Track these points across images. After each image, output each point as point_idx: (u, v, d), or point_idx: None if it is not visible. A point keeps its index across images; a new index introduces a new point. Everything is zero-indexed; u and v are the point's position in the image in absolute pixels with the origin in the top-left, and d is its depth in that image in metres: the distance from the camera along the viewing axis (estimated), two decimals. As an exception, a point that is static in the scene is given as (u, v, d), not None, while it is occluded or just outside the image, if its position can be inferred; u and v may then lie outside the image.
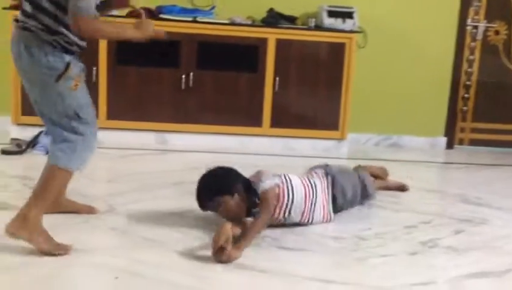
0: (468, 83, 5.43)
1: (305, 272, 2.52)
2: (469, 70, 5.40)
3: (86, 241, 2.68)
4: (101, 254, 2.56)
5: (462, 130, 5.53)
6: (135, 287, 2.29)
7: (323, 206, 3.10)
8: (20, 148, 4.15)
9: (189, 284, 2.33)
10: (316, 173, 3.24)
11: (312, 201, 3.04)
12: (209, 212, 2.94)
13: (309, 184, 3.07)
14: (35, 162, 3.90)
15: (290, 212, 2.96)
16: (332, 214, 3.15)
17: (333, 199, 3.16)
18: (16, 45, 2.48)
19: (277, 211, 2.92)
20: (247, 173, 3.19)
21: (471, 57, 5.38)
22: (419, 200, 3.75)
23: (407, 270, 2.64)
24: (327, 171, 3.23)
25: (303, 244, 2.85)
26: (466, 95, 5.45)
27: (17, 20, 2.51)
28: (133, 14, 3.83)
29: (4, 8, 4.41)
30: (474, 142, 5.54)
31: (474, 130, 5.53)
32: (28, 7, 2.46)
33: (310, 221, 3.04)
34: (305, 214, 3.02)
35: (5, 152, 4.09)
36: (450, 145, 5.46)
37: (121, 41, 4.46)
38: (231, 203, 2.82)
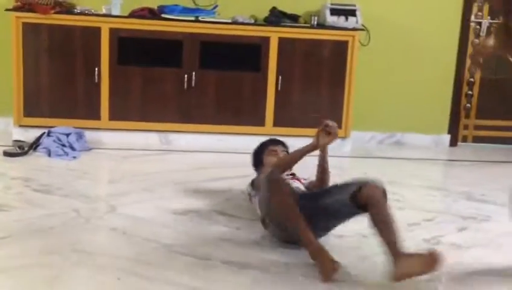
0: (471, 80, 5.41)
1: (309, 270, 2.51)
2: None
3: (87, 242, 2.68)
4: (103, 254, 2.55)
5: (466, 127, 5.50)
6: (138, 288, 2.28)
7: None
8: (22, 150, 4.14)
9: (194, 285, 2.32)
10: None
11: None
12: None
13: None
14: (38, 164, 3.91)
15: None
16: None
17: None
18: None
19: None
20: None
21: (475, 54, 5.36)
22: (423, 197, 3.74)
23: (410, 268, 2.62)
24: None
25: (306, 243, 2.83)
26: (469, 92, 5.43)
27: None
28: None
29: (7, 10, 4.41)
30: (477, 140, 5.52)
31: (477, 127, 5.51)
32: None
33: None
34: None
35: (7, 154, 4.08)
36: (453, 143, 5.44)
37: (122, 41, 4.54)
38: None
